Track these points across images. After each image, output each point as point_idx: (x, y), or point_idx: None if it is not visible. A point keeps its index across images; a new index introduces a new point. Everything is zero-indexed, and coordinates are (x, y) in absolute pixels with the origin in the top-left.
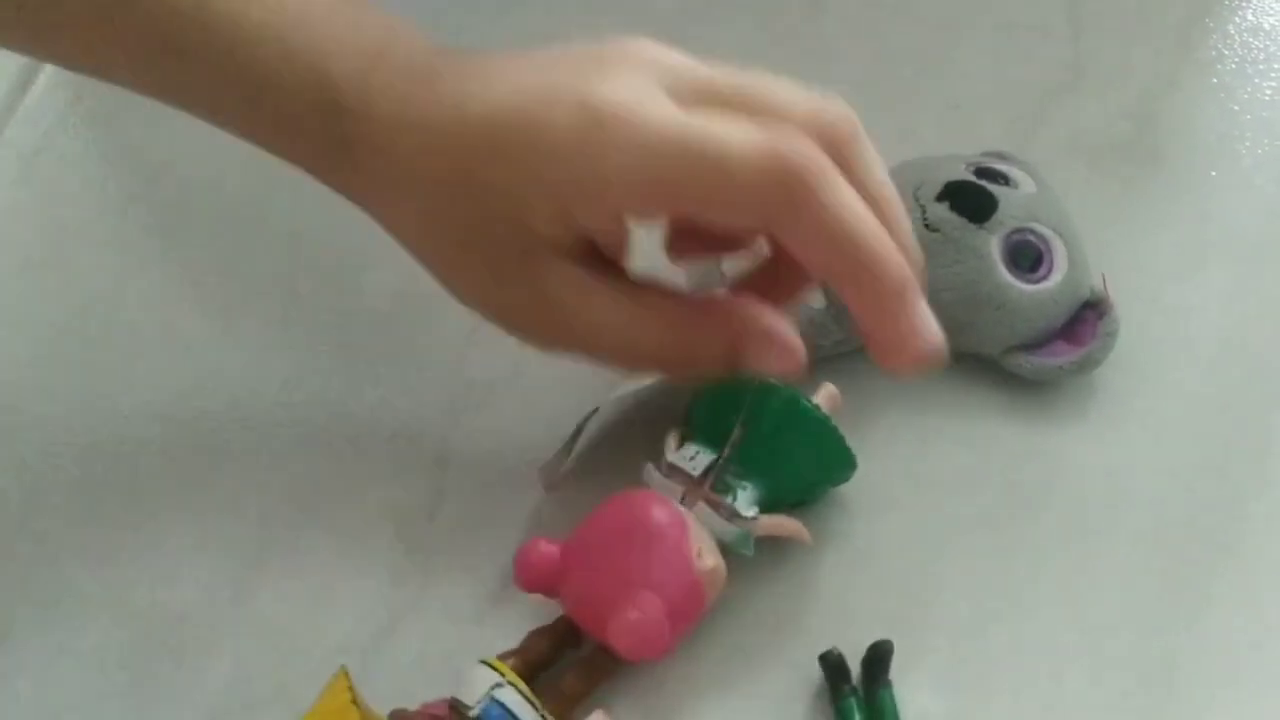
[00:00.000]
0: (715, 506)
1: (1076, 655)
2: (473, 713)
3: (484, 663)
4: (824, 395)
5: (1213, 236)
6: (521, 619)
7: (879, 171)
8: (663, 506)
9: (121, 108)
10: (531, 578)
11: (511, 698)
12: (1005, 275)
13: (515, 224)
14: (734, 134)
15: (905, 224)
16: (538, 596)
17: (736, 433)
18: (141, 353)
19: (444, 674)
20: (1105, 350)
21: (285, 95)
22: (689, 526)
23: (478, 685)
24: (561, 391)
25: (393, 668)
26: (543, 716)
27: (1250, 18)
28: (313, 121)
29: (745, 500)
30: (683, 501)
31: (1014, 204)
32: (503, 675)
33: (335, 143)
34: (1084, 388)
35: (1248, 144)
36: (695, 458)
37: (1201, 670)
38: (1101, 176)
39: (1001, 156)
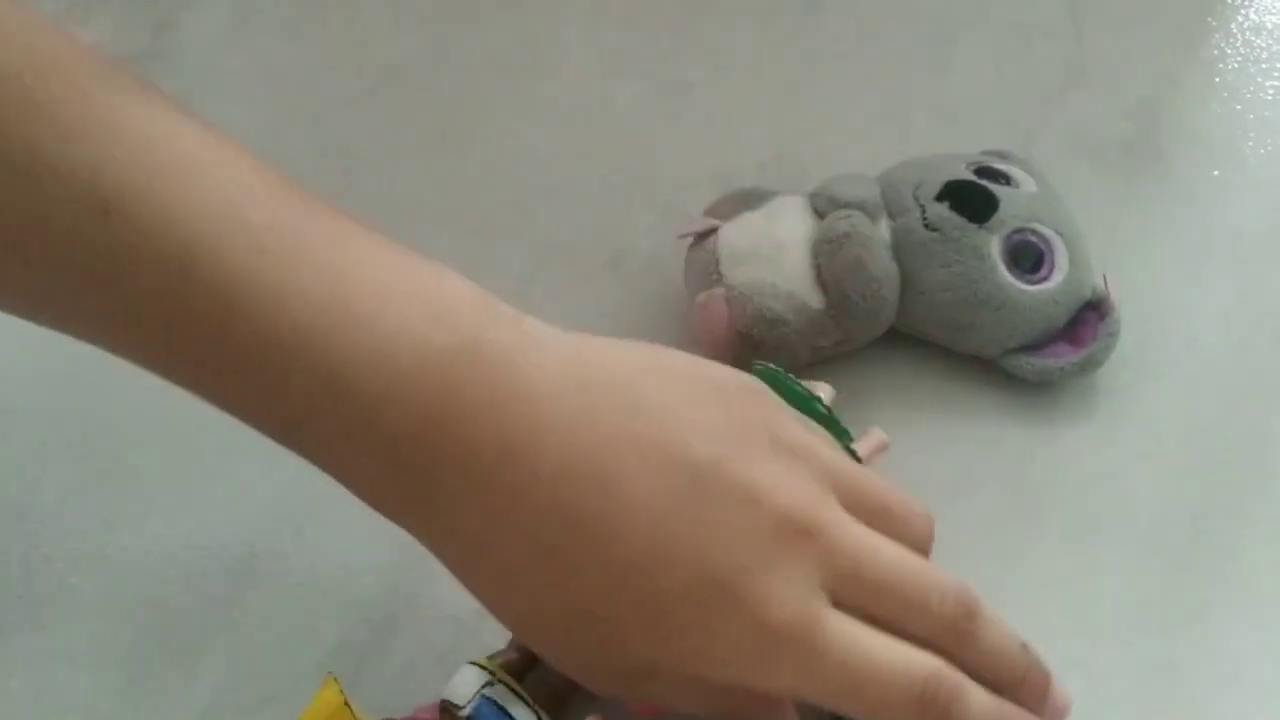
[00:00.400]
0: None
1: (1077, 657)
2: (464, 713)
3: (473, 663)
4: (824, 391)
5: (1216, 236)
6: None
7: (1004, 641)
8: None
9: None
10: None
11: (503, 695)
12: (1006, 275)
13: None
14: (883, 660)
15: (1038, 678)
16: None
17: None
18: None
19: (438, 678)
20: (1107, 351)
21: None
22: None
23: (468, 685)
24: None
25: (386, 672)
26: (536, 712)
27: (1253, 16)
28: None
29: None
30: None
31: (1015, 204)
32: (493, 674)
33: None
34: (1085, 389)
35: (1251, 143)
36: None
37: (1202, 672)
38: (1103, 176)
39: (1002, 156)
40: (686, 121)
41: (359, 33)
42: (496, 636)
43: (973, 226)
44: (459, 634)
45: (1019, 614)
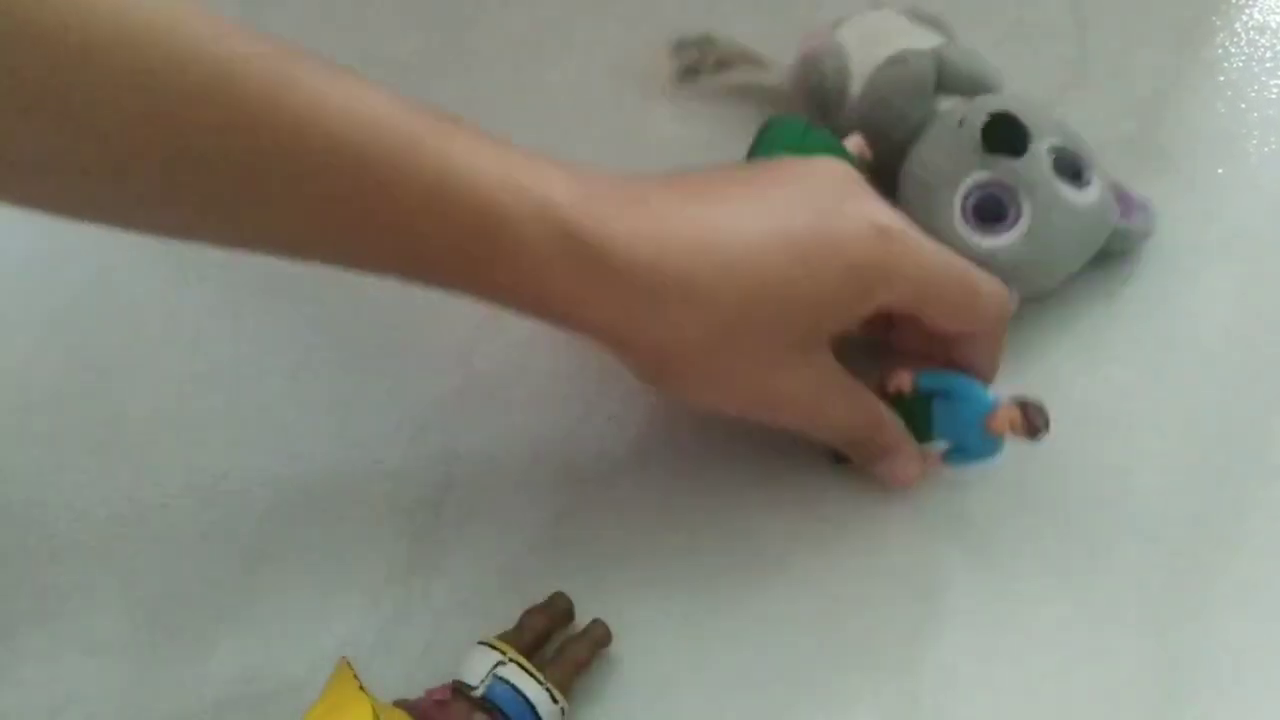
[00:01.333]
0: None
1: (1081, 651)
2: (477, 692)
3: (484, 643)
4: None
5: (1219, 235)
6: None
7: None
8: None
9: None
10: None
11: (515, 674)
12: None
13: (801, 323)
14: (973, 270)
15: None
16: (543, 584)
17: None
18: (147, 344)
19: (451, 664)
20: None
21: (513, 223)
22: None
23: (479, 665)
24: (569, 383)
25: (400, 659)
26: (548, 689)
27: (1257, 16)
28: (545, 251)
29: None
30: None
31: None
32: (504, 654)
33: (571, 269)
34: (1089, 384)
35: (1254, 142)
36: None
37: (1205, 669)
38: (1106, 173)
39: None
40: (696, 118)
41: (365, 28)
42: (508, 619)
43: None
44: (470, 619)
45: (1022, 610)
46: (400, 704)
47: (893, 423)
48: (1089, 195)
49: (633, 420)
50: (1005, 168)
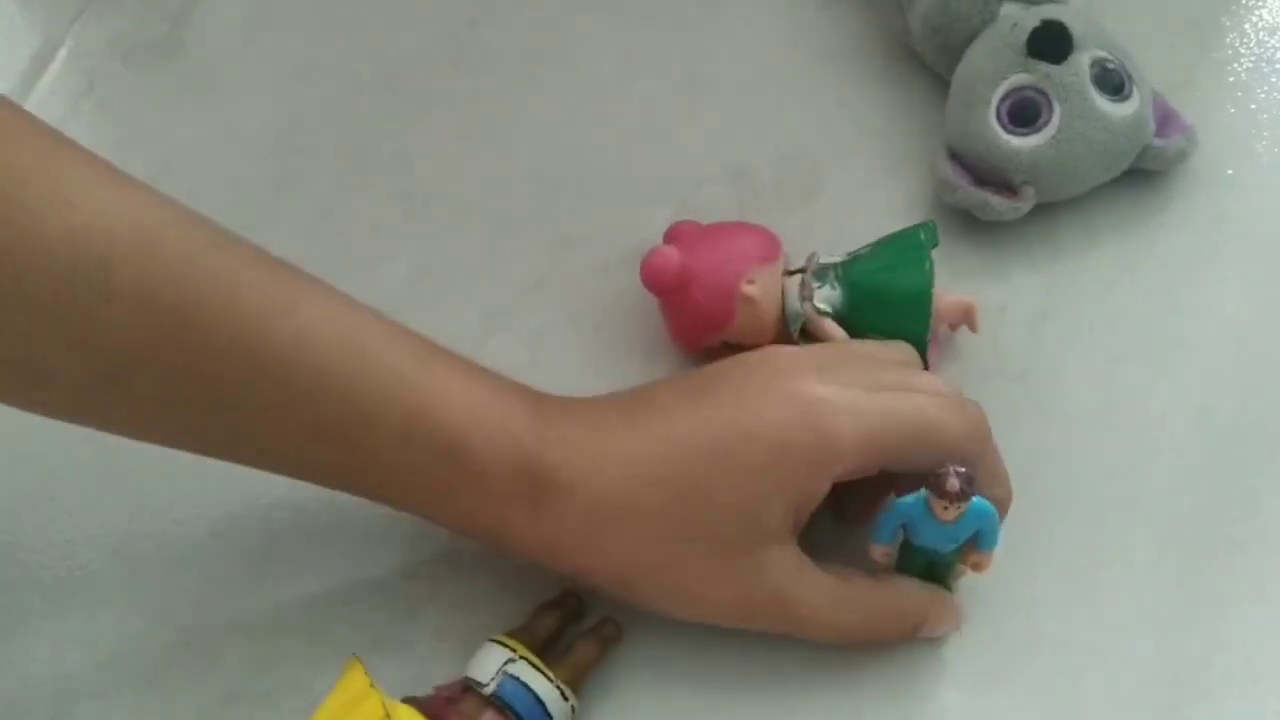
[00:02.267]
0: (803, 283)
1: (1093, 654)
2: (487, 690)
3: (494, 640)
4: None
5: (1229, 235)
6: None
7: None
8: (775, 240)
9: (132, 97)
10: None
11: (526, 671)
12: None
13: (745, 526)
14: (929, 406)
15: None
16: (551, 581)
17: (864, 249)
18: None
19: (459, 663)
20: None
21: (477, 453)
22: (773, 260)
23: (490, 663)
24: (577, 381)
25: (408, 657)
26: (558, 686)
27: (1267, 17)
28: (504, 476)
29: (823, 295)
30: (789, 266)
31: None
32: (514, 651)
33: (524, 493)
34: (1099, 385)
35: (1264, 142)
36: (831, 254)
37: (1216, 668)
38: (1117, 176)
39: None
40: (703, 116)
41: (377, 24)
42: (519, 615)
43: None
44: (480, 616)
45: (1035, 612)
46: (410, 701)
47: (904, 591)
48: (1124, 109)
49: None
50: (1043, 72)
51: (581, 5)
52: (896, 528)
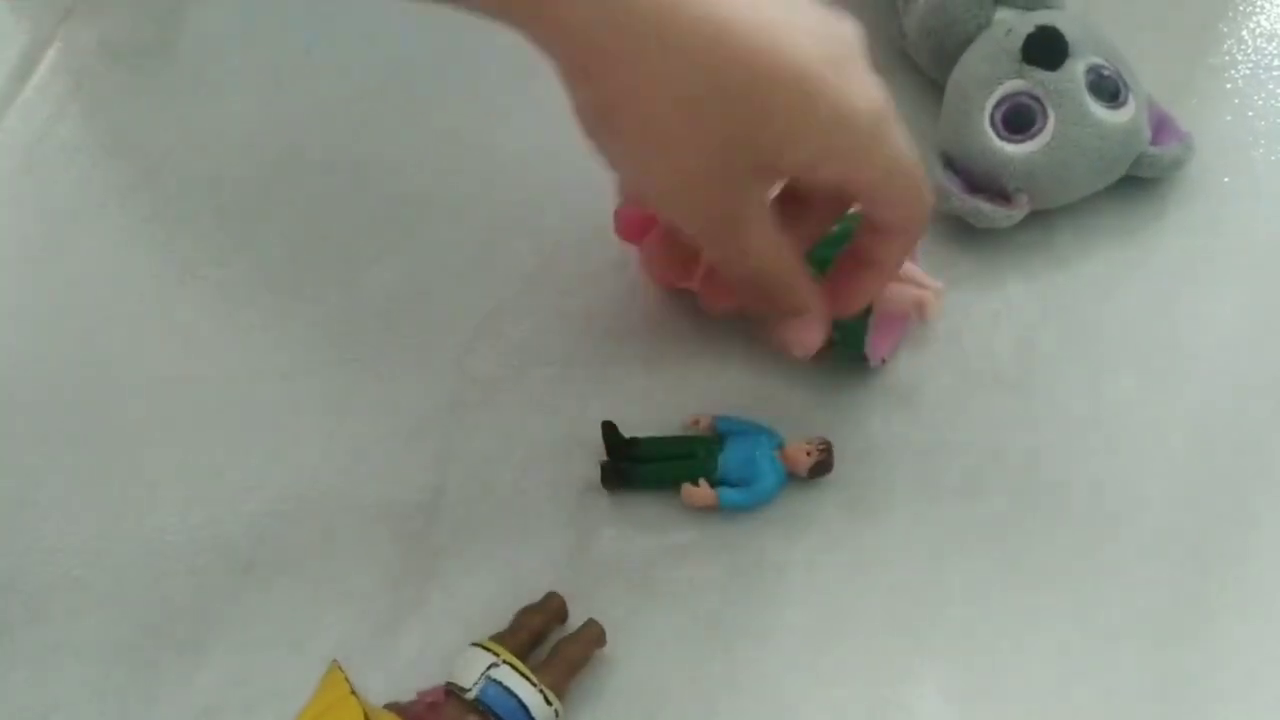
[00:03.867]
0: None
1: (1085, 665)
2: (470, 695)
3: (477, 645)
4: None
5: (1225, 242)
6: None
7: None
8: None
9: (122, 97)
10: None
11: (509, 676)
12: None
13: (746, 138)
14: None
15: None
16: (537, 589)
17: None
18: (140, 343)
19: (443, 670)
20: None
21: None
22: None
23: (473, 667)
24: (563, 389)
25: (392, 664)
26: (541, 691)
27: (1264, 23)
28: None
29: None
30: None
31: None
32: (498, 655)
33: None
34: (1091, 393)
35: (1261, 150)
36: None
37: (1210, 680)
38: (1113, 182)
39: None
40: None
41: (368, 27)
42: (502, 622)
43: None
44: (462, 623)
45: (1026, 623)
46: (391, 707)
47: (809, 282)
48: (1119, 116)
49: (627, 423)
50: (1038, 78)
51: None
52: (736, 433)
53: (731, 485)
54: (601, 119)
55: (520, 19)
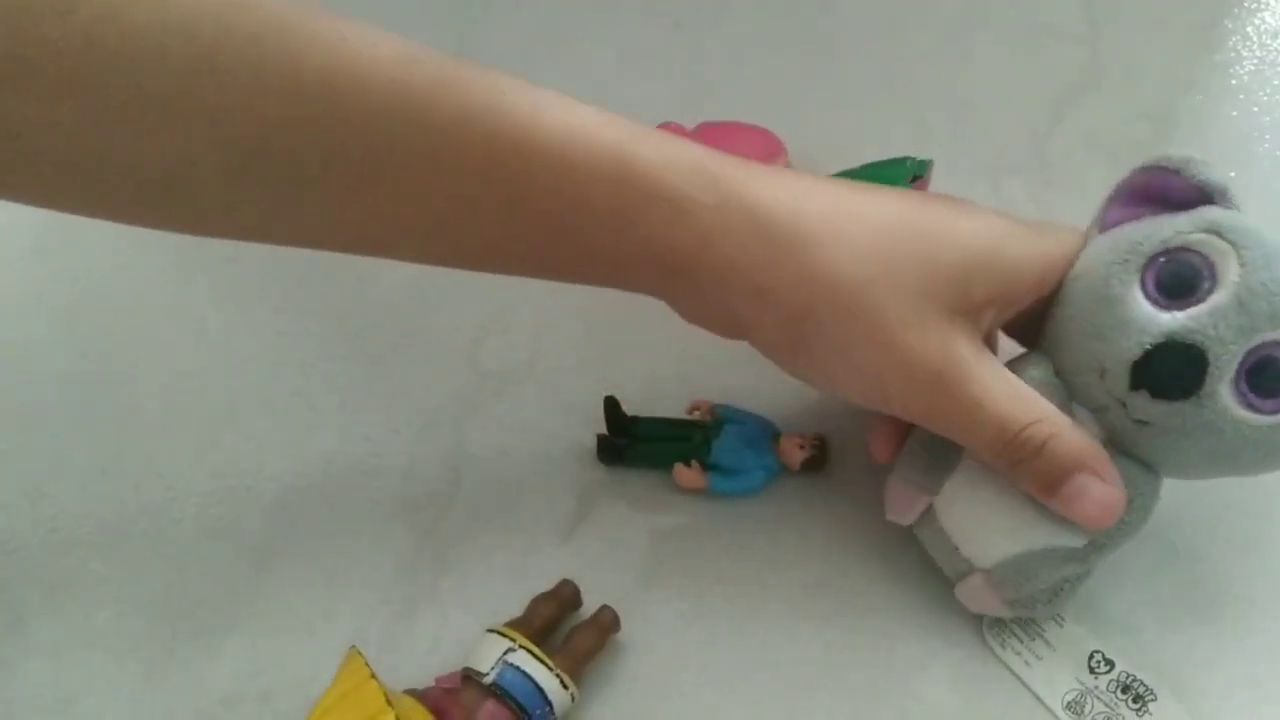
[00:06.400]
0: None
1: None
2: (487, 679)
3: (493, 630)
4: None
5: None
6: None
7: None
8: (777, 140)
9: None
10: None
11: (526, 660)
12: (1249, 420)
13: (956, 291)
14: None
15: None
16: (550, 576)
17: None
18: (153, 338)
19: (459, 658)
20: None
21: (669, 183)
22: (776, 159)
23: (489, 653)
24: (577, 382)
25: (408, 653)
26: (558, 676)
27: (1269, 20)
28: (698, 196)
29: None
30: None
31: (1226, 330)
32: (514, 640)
33: (714, 208)
34: None
35: (1266, 145)
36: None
37: (1221, 672)
38: (1118, 177)
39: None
40: (701, 117)
41: (374, 23)
42: (517, 609)
43: (1191, 403)
44: (478, 613)
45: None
46: (410, 693)
47: (1068, 426)
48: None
49: (631, 410)
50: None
51: (580, 6)
52: (735, 420)
53: (722, 472)
54: (798, 328)
55: (695, 269)
